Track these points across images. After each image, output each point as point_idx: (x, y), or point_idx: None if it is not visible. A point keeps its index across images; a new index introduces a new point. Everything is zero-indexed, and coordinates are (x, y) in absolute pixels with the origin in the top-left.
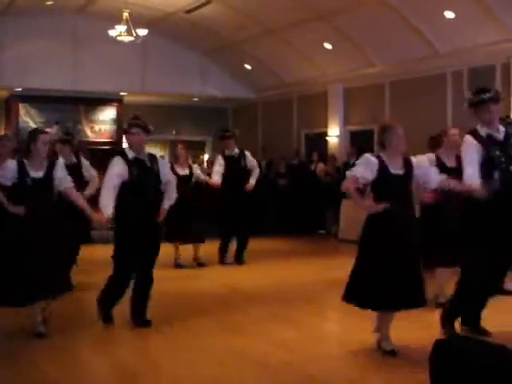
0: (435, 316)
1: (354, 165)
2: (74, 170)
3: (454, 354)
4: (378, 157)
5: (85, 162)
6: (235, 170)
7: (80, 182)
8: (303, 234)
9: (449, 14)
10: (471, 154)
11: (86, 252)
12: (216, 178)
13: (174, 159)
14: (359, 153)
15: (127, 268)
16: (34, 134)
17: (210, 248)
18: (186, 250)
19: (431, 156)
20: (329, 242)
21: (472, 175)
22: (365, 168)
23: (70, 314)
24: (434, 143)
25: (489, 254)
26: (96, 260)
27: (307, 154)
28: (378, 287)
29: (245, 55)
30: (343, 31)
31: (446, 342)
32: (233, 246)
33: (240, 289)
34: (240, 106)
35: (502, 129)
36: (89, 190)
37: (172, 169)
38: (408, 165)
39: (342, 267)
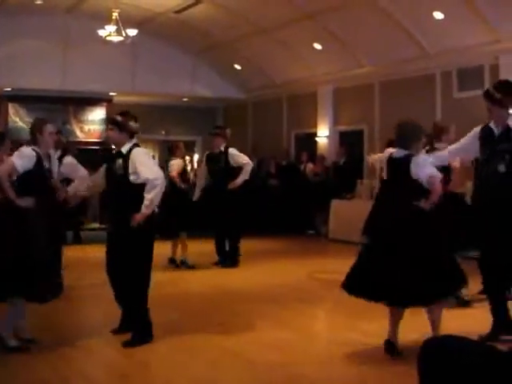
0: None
1: (343, 165)
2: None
3: (443, 354)
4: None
5: (68, 160)
6: (213, 170)
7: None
8: (293, 234)
9: (438, 15)
10: (465, 137)
11: (77, 252)
12: (196, 195)
13: (171, 153)
14: (348, 153)
15: (107, 273)
16: (40, 124)
17: (200, 248)
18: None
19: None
20: (319, 242)
21: (438, 158)
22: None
23: (61, 315)
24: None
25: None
26: (86, 260)
27: (297, 154)
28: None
29: (235, 55)
30: (333, 32)
31: (435, 342)
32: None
33: (231, 289)
34: (230, 105)
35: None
36: (72, 189)
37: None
38: None
39: (332, 267)
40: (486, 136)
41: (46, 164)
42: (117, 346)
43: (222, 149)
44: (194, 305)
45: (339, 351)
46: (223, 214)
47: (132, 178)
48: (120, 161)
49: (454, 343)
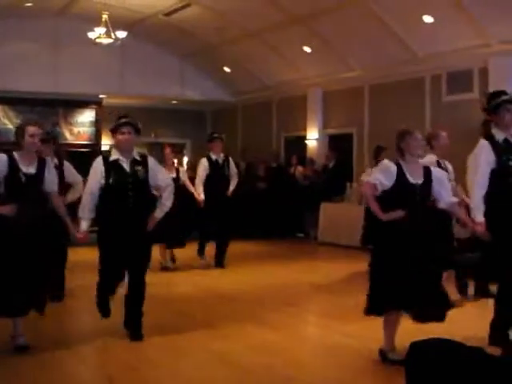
0: None
1: (333, 168)
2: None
3: (430, 357)
4: (397, 164)
5: (68, 166)
6: (218, 175)
7: (61, 185)
8: (282, 236)
9: (427, 19)
10: (483, 164)
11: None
12: (202, 196)
13: (161, 162)
14: (338, 156)
15: (108, 276)
16: (21, 126)
17: (189, 251)
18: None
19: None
20: (308, 245)
21: (477, 205)
22: (384, 175)
23: (52, 317)
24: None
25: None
26: (78, 264)
27: (286, 157)
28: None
29: (224, 58)
30: (322, 35)
31: (422, 345)
32: (212, 249)
33: (219, 292)
34: (219, 108)
35: None
36: (71, 196)
37: None
38: (428, 175)
39: (321, 270)
40: (504, 148)
41: (24, 168)
42: (104, 348)
43: (223, 156)
44: (183, 306)
45: (326, 354)
46: (224, 219)
47: (151, 183)
48: (140, 167)
49: (440, 346)
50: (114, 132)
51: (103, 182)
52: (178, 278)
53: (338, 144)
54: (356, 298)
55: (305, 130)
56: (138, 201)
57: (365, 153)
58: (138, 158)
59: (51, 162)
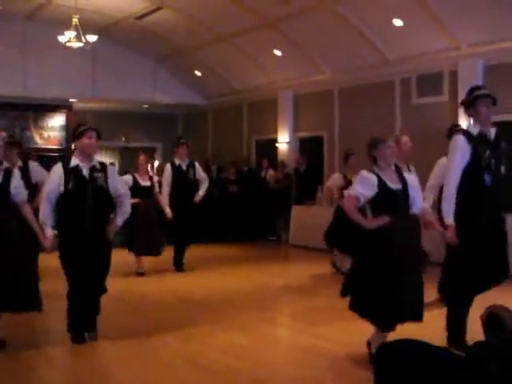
0: None
1: (304, 172)
2: (22, 175)
3: (398, 358)
4: (375, 173)
5: (34, 165)
6: (182, 181)
7: (28, 185)
8: (253, 240)
9: (397, 22)
10: (459, 159)
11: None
12: (168, 210)
13: (135, 169)
14: (309, 160)
15: (77, 281)
16: None
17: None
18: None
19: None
20: (279, 248)
21: (450, 205)
22: (363, 186)
23: (20, 322)
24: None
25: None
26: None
27: (257, 160)
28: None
29: (195, 62)
30: (293, 38)
31: (390, 346)
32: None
33: (190, 296)
34: (190, 112)
35: (492, 129)
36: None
37: (134, 179)
38: (403, 179)
39: (292, 273)
40: (481, 141)
41: None
42: (75, 351)
43: (188, 161)
44: (154, 310)
45: (297, 356)
46: (192, 225)
47: (112, 192)
48: (100, 174)
49: (408, 347)
50: (79, 137)
51: (62, 188)
52: (149, 282)
53: (309, 147)
54: (327, 300)
55: (276, 133)
56: (97, 208)
57: (335, 156)
58: (97, 165)
59: (17, 168)
